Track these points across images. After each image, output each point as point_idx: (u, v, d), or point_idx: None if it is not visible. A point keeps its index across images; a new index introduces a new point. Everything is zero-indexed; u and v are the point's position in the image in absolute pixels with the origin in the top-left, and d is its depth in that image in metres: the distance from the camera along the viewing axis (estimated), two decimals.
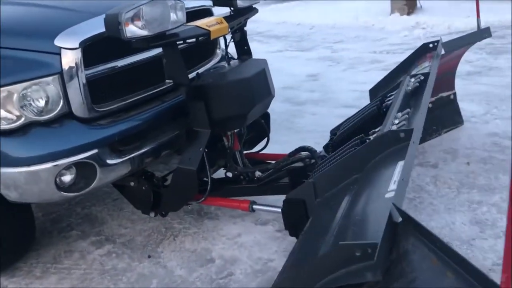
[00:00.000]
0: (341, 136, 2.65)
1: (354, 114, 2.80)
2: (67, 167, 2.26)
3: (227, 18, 2.63)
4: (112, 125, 2.40)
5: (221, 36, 2.61)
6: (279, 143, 3.38)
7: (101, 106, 2.40)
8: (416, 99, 2.39)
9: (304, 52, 7.36)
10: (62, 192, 2.28)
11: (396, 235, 1.34)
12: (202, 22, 2.50)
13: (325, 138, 3.79)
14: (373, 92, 3.43)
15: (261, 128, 3.01)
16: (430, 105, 3.38)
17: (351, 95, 4.84)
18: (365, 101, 4.41)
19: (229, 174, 2.80)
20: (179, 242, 2.73)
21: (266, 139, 3.06)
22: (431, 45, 3.25)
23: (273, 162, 2.77)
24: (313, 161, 2.55)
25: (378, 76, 5.51)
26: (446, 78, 3.49)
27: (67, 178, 2.29)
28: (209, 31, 2.43)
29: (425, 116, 2.20)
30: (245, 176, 2.74)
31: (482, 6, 9.91)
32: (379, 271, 1.24)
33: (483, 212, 2.62)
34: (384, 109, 2.55)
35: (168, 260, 2.58)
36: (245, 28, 2.86)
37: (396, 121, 2.09)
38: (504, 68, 5.06)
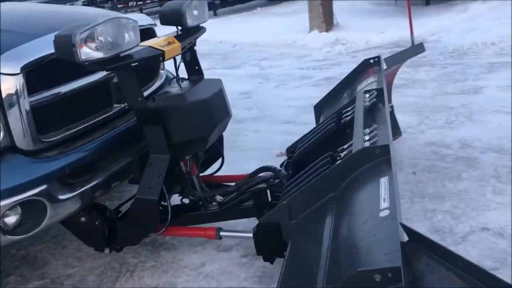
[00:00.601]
0: (301, 154, 2.61)
1: (310, 131, 2.78)
2: (12, 208, 2.00)
3: (177, 38, 2.51)
4: (60, 156, 2.18)
5: (174, 57, 2.48)
6: (226, 164, 3.27)
7: (48, 136, 2.17)
8: (376, 114, 2.42)
9: (232, 70, 7.35)
10: (7, 236, 2.02)
11: (406, 256, 1.31)
12: (153, 42, 2.36)
13: (272, 156, 3.80)
14: (318, 108, 3.45)
15: (214, 149, 2.90)
16: None
17: (289, 111, 4.88)
18: (304, 116, 4.51)
19: (185, 201, 2.67)
20: (137, 278, 2.53)
21: (220, 160, 2.96)
22: (371, 61, 3.36)
23: (232, 184, 2.67)
24: (277, 181, 2.49)
25: (310, 92, 5.68)
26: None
27: (12, 219, 2.03)
28: (163, 51, 2.30)
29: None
30: (204, 202, 2.62)
31: (388, 22, 10.51)
32: None
33: (439, 220, 2.71)
34: (342, 126, 2.55)
35: None
36: (195, 48, 2.75)
37: (367, 137, 2.09)
38: (426, 80, 5.39)
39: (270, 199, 2.50)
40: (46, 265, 2.71)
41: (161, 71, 3.10)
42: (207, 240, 2.77)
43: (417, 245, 1.31)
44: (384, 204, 1.55)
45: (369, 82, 3.09)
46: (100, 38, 1.91)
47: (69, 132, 2.27)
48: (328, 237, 1.70)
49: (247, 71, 7.13)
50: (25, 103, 2.05)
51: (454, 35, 7.54)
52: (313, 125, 3.10)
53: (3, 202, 1.97)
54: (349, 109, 2.65)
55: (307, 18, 9.33)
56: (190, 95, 2.36)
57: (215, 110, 2.41)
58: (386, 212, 1.49)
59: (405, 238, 1.37)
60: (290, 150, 2.83)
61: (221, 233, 2.41)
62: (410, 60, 6.45)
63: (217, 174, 2.98)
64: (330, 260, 1.55)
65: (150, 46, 2.29)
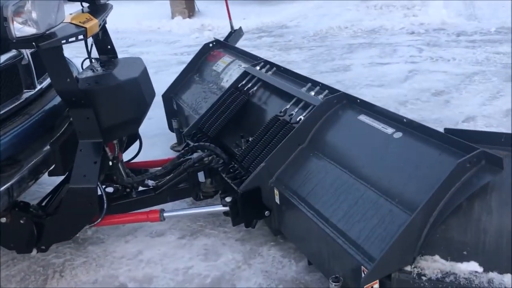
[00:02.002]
0: (217, 130, 2.67)
1: (210, 110, 2.82)
2: None
3: (92, 15, 2.34)
4: None
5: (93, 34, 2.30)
6: (130, 151, 3.13)
7: None
8: (296, 78, 2.72)
9: None
10: None
11: None
12: (72, 19, 2.16)
13: (174, 140, 3.73)
14: (169, 95, 3.53)
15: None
16: None
17: None
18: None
19: (109, 189, 2.52)
20: (69, 277, 2.33)
21: (136, 145, 2.83)
22: (211, 45, 3.62)
23: (160, 168, 2.60)
24: (211, 157, 2.49)
25: None
26: None
27: None
28: (86, 28, 2.13)
29: None
30: (132, 188, 2.51)
31: (246, 9, 10.80)
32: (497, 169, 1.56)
33: None
34: (251, 96, 2.74)
35: None
36: (106, 26, 2.59)
37: (312, 93, 2.40)
38: (299, 61, 5.78)
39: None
40: None
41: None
42: (135, 228, 2.67)
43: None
44: (390, 130, 2.00)
45: (228, 62, 3.27)
46: (32, 11, 1.70)
47: None
48: (353, 168, 1.99)
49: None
50: None
51: (311, 20, 8.16)
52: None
53: None
54: (247, 81, 2.83)
55: (168, 4, 9.20)
56: (119, 74, 2.23)
57: (144, 89, 2.32)
58: (400, 135, 1.95)
59: None
60: (192, 133, 2.82)
61: (165, 214, 2.35)
62: (279, 44, 6.91)
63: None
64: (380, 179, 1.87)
65: (71, 23, 2.10)
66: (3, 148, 2.00)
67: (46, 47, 1.83)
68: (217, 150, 2.47)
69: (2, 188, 1.92)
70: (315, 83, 2.49)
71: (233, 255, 2.37)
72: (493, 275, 1.54)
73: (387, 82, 4.74)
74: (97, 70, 2.31)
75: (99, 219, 2.27)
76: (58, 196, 2.39)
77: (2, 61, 2.10)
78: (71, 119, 2.47)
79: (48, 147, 2.24)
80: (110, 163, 2.38)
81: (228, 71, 3.22)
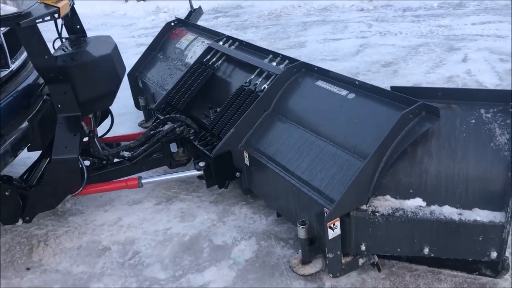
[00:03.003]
0: (186, 103, 2.84)
1: (177, 86, 2.98)
2: None
3: None
4: None
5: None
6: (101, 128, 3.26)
7: None
8: (255, 49, 2.97)
9: None
10: None
11: None
12: None
13: (141, 118, 3.87)
14: (134, 74, 3.68)
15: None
16: None
17: None
18: None
19: (86, 162, 2.66)
20: (54, 245, 2.47)
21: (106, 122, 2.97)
22: (172, 24, 3.80)
23: (133, 141, 2.76)
24: (182, 128, 2.67)
25: None
26: None
27: None
28: (58, 8, 2.25)
29: None
30: (107, 160, 2.67)
31: None
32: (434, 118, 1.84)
33: None
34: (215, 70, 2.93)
35: (56, 264, 2.33)
36: (74, 6, 2.69)
37: (274, 64, 2.63)
38: (256, 40, 5.97)
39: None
40: None
41: None
42: (112, 198, 2.83)
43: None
44: (344, 92, 2.25)
45: (191, 39, 3.45)
46: None
47: None
48: (312, 126, 2.23)
49: None
50: None
51: (266, 1, 8.33)
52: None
53: None
54: (211, 56, 3.02)
55: None
56: (93, 51, 2.37)
57: (117, 64, 2.47)
58: (352, 96, 2.19)
59: None
60: (162, 107, 2.98)
61: (143, 181, 2.52)
62: (235, 24, 7.06)
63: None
64: (342, 132, 2.11)
65: (44, 3, 2.21)
66: None
67: (26, 25, 1.95)
68: (187, 120, 2.65)
69: None
70: (275, 55, 2.71)
71: (208, 215, 2.58)
72: (434, 207, 1.81)
73: (340, 56, 5.02)
74: (68, 49, 2.43)
75: (80, 188, 2.42)
76: (38, 169, 2.52)
77: None
78: (44, 97, 2.60)
79: (26, 123, 2.37)
80: (87, 137, 2.53)
81: (192, 47, 3.38)
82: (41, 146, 2.47)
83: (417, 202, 1.84)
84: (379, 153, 1.84)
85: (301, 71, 2.51)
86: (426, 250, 1.83)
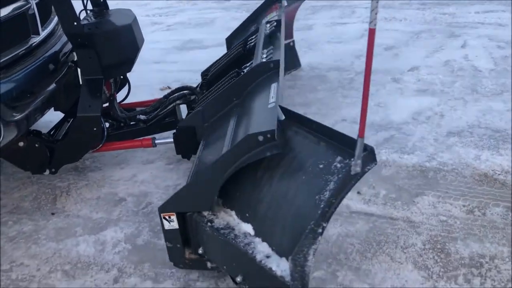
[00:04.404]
0: (214, 76, 3.07)
1: (221, 57, 3.21)
2: None
3: None
4: (5, 80, 2.28)
5: None
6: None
7: None
8: (274, 39, 3.01)
9: None
10: None
11: (283, 127, 1.84)
12: None
13: (156, 91, 4.15)
14: (229, 40, 3.82)
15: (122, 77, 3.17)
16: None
17: (155, 53, 5.20)
18: (171, 56, 4.97)
19: (106, 124, 2.94)
20: (75, 195, 2.77)
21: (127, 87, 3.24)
22: None
23: (149, 106, 3.03)
24: (193, 97, 2.94)
25: (166, 35, 6.05)
26: (287, 27, 4.00)
27: None
28: None
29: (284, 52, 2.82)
30: (125, 122, 2.94)
31: None
32: (279, 147, 1.72)
33: None
34: (248, 50, 3.06)
35: (77, 211, 2.63)
36: None
37: (264, 56, 2.67)
38: None
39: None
40: None
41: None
42: (127, 158, 3.12)
43: (290, 120, 1.85)
44: (271, 100, 2.07)
45: (273, 16, 3.65)
46: None
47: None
48: (232, 127, 2.26)
49: None
50: None
51: None
52: (180, 63, 3.39)
53: None
54: (253, 37, 3.18)
55: None
56: (115, 21, 2.63)
57: (136, 35, 2.73)
58: (273, 104, 2.01)
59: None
60: (205, 74, 3.23)
61: (156, 141, 2.80)
62: (246, 7, 7.26)
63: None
64: (233, 138, 2.12)
65: None
66: (20, 82, 2.39)
67: None
68: (196, 90, 2.91)
69: (22, 114, 2.33)
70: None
71: None
72: (257, 240, 1.71)
73: (345, 39, 5.23)
74: (92, 19, 2.69)
75: (100, 145, 2.71)
76: (63, 128, 2.81)
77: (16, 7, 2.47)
78: (69, 64, 2.87)
79: (54, 85, 2.65)
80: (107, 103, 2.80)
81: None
82: (66, 106, 2.75)
83: (248, 228, 1.78)
84: (223, 163, 1.76)
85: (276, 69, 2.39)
86: (239, 279, 1.77)
